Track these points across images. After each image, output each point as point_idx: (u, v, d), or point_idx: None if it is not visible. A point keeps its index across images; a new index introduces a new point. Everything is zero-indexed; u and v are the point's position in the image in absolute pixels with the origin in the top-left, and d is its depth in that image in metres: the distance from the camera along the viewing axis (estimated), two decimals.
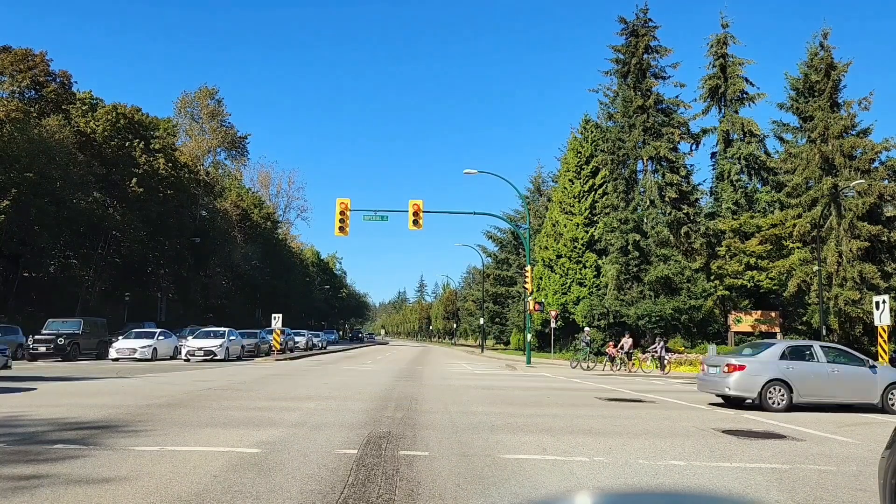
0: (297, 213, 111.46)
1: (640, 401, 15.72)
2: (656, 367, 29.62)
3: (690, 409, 13.95)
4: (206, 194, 69.86)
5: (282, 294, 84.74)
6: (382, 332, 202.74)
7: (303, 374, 22.30)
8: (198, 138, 69.32)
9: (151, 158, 55.83)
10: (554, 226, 46.74)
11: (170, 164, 58.66)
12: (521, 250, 67.22)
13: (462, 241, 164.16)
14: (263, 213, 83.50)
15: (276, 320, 33.34)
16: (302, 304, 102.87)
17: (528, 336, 32.40)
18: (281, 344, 35.08)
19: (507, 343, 71.50)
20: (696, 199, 43.52)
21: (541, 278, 46.64)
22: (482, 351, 59.48)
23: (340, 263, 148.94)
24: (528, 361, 32.04)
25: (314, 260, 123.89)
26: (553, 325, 41.80)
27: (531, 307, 31.84)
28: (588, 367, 29.69)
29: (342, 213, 32.20)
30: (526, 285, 32.25)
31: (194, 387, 16.12)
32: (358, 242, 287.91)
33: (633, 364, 29.90)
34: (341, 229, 32.12)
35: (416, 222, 32.08)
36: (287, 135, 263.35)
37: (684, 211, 41.24)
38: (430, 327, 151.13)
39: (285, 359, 32.06)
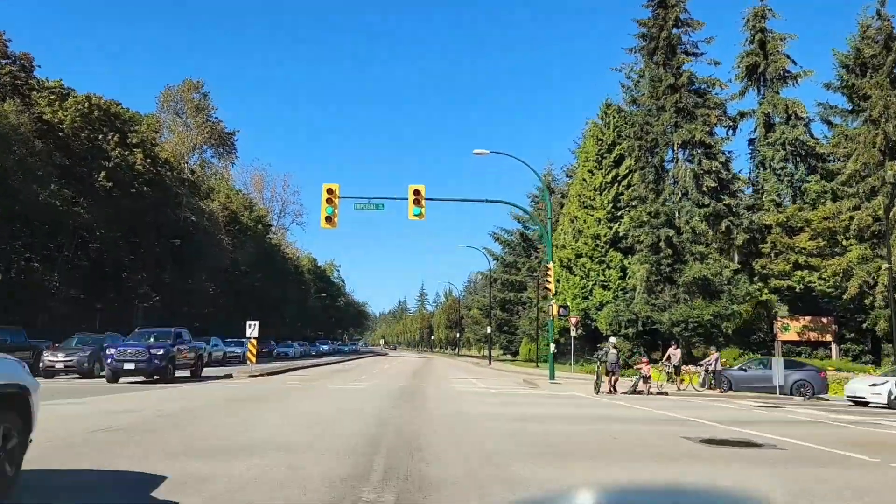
0: (292, 219, 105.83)
1: (752, 444, 10.54)
2: (708, 386, 24.39)
3: (868, 467, 8.75)
4: (192, 194, 65.11)
5: (275, 302, 79.65)
6: (382, 342, 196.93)
7: (270, 399, 17.11)
8: (181, 134, 64.36)
9: (127, 153, 50.81)
10: (572, 222, 41.58)
11: (149, 160, 53.66)
12: (531, 252, 62.09)
13: (465, 245, 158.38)
14: (254, 215, 78.42)
15: (252, 328, 28.09)
16: (297, 312, 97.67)
17: (552, 347, 27.16)
18: (258, 357, 29.88)
19: (516, 353, 66.27)
20: (737, 190, 38.41)
21: (558, 281, 41.43)
22: (490, 363, 54.25)
23: (338, 271, 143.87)
24: (552, 377, 26.82)
25: (310, 267, 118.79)
26: (573, 333, 36.71)
27: (554, 312, 26.65)
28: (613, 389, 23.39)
29: (329, 200, 27.10)
30: (548, 285, 27.07)
31: (95, 422, 10.95)
32: (357, 252, 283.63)
33: (682, 381, 24.61)
34: (328, 219, 27.01)
35: (416, 209, 27.01)
36: (280, 133, 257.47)
37: (724, 202, 36.11)
38: (433, 337, 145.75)
39: (261, 374, 26.79)
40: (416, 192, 27.16)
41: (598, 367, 21.82)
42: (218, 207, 70.12)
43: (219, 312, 71.93)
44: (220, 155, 67.59)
